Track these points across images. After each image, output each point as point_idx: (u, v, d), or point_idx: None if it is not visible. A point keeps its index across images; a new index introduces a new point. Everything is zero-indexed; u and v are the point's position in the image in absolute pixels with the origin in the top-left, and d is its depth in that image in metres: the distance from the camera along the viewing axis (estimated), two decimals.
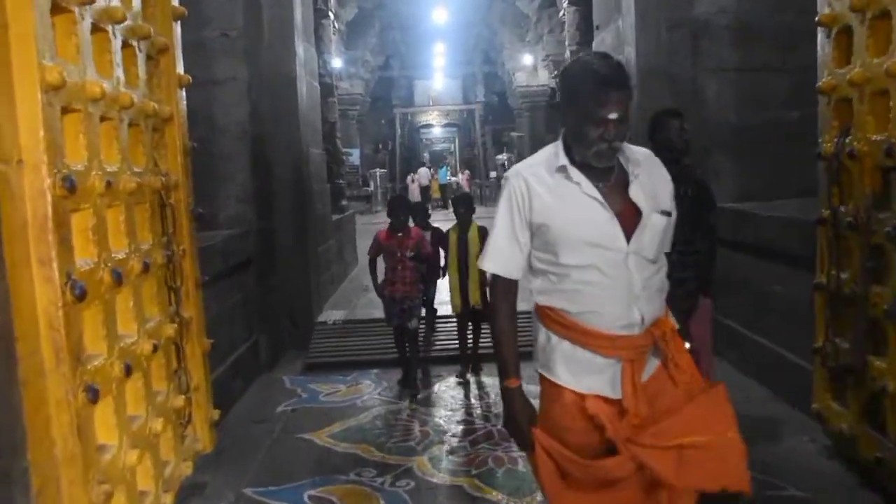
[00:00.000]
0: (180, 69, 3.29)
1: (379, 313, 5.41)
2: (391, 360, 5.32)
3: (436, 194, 26.36)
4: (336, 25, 17.76)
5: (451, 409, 4.60)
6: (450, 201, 5.23)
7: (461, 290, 5.09)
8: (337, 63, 20.60)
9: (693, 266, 3.36)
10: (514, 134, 29.62)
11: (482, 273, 4.71)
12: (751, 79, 5.41)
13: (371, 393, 4.92)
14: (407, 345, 5.10)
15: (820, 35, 3.43)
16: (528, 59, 23.93)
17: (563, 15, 11.16)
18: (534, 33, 21.11)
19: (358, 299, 8.03)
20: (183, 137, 3.26)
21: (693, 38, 5.46)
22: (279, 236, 5.85)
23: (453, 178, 28.29)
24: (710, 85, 5.42)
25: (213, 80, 5.16)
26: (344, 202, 10.24)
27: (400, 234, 4.88)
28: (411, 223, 5.21)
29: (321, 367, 5.50)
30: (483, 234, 4.90)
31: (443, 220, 21.26)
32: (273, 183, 5.77)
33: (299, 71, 6.05)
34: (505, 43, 24.81)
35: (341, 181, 10.28)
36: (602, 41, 8.00)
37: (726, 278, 5.11)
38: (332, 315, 6.36)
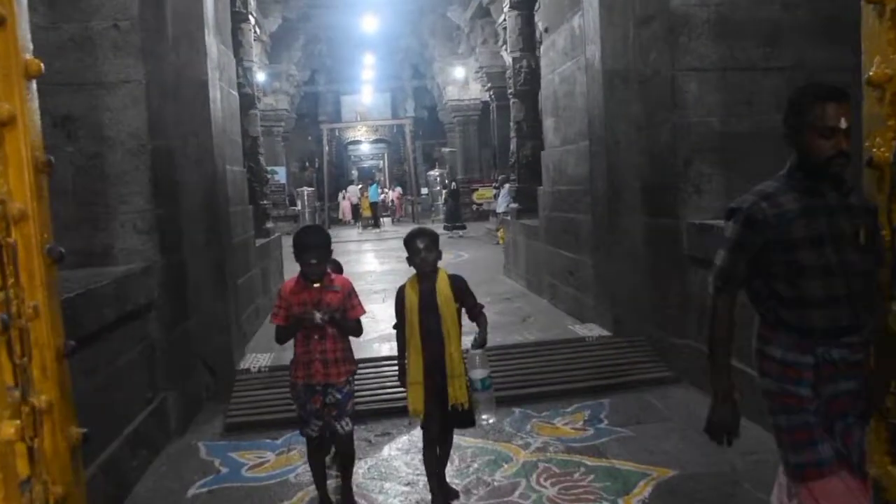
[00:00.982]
0: (28, 53, 2.35)
1: None
2: None
3: (366, 212, 25.49)
4: (257, 32, 16.76)
5: (407, 483, 3.73)
6: (403, 239, 3.62)
7: (428, 379, 3.24)
8: (260, 76, 19.62)
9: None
10: (444, 149, 29.05)
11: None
12: (736, 79, 4.76)
13: (306, 463, 4.00)
14: (332, 457, 3.71)
15: (868, 13, 2.76)
16: (459, 73, 23.41)
17: (504, 21, 10.51)
18: (466, 45, 20.54)
19: None
20: (33, 148, 2.32)
21: (669, 34, 4.78)
22: (190, 270, 4.90)
23: (384, 194, 27.43)
24: (689, 86, 4.75)
25: (101, 81, 4.20)
26: (269, 224, 9.27)
27: (317, 286, 3.26)
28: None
29: (245, 426, 4.55)
30: (459, 287, 3.31)
31: (374, 240, 20.36)
32: (181, 207, 4.81)
33: (212, 74, 5.12)
34: (435, 56, 24.18)
35: (265, 202, 9.30)
36: (552, 44, 7.33)
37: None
38: (257, 360, 5.40)
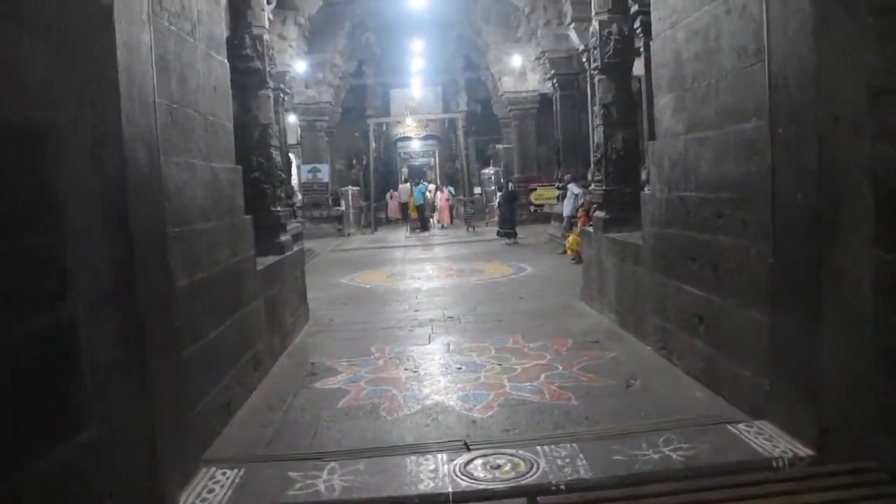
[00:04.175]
0: None
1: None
2: None
3: (413, 214, 23.52)
4: (298, 21, 14.97)
5: None
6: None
7: None
8: (300, 65, 17.70)
9: None
10: (499, 146, 26.84)
11: None
12: None
13: None
14: None
15: None
16: (516, 61, 21.18)
17: None
18: (525, 28, 18.23)
19: (294, 398, 4.97)
20: None
21: None
22: (85, 343, 2.77)
23: (432, 194, 25.26)
24: None
25: None
26: (284, 237, 7.16)
27: None
28: None
29: None
30: None
31: (421, 246, 18.29)
32: (64, 230, 2.69)
33: (138, 5, 2.97)
34: (490, 44, 21.94)
35: (279, 209, 7.19)
36: (665, 1, 5.03)
37: None
38: (213, 487, 3.22)
